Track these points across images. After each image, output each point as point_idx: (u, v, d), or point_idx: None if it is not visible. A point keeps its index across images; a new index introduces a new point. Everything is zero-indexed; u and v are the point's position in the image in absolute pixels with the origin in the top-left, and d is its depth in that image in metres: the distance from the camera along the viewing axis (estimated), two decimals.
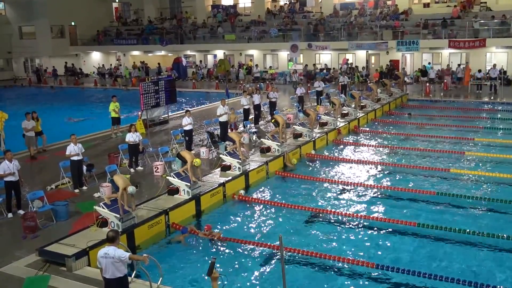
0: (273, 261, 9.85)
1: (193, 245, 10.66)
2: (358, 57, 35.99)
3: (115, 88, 37.36)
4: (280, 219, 11.96)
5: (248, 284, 9.07)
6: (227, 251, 10.33)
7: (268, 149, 16.20)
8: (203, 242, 10.72)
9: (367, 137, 20.05)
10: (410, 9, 36.35)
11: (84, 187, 13.76)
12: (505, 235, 10.32)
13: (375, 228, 11.28)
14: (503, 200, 12.34)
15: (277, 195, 13.60)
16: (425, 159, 16.62)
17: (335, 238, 10.96)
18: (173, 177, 12.50)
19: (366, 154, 17.39)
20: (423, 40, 31.81)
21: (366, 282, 9.09)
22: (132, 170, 15.32)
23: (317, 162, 16.72)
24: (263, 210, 12.56)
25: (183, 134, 17.50)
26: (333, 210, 12.30)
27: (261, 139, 17.32)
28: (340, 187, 14.09)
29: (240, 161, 14.28)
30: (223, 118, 18.23)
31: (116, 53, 45.89)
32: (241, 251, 10.31)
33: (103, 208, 10.50)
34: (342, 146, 18.63)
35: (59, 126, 22.80)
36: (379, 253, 10.18)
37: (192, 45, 41.22)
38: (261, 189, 14.16)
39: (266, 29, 38.79)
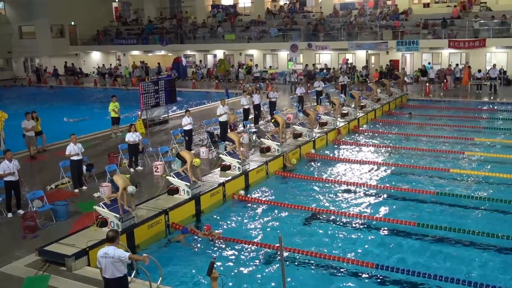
0: (273, 261, 9.85)
1: (193, 245, 10.66)
2: (358, 57, 35.99)
3: (114, 88, 37.37)
4: (280, 219, 11.95)
5: (247, 284, 9.06)
6: (226, 251, 10.33)
7: (268, 149, 16.20)
8: (202, 242, 10.72)
9: (367, 137, 20.05)
10: (410, 9, 36.36)
11: (84, 187, 13.76)
12: (505, 235, 10.32)
13: (375, 228, 11.29)
14: (504, 200, 12.33)
15: (277, 195, 13.60)
16: (425, 159, 16.62)
17: (334, 238, 10.95)
18: (173, 177, 12.50)
19: (366, 154, 17.39)
20: (423, 40, 31.82)
21: (366, 282, 9.08)
22: (132, 170, 15.32)
23: (317, 162, 16.72)
24: (262, 210, 12.56)
25: (182, 134, 17.50)
26: (333, 210, 12.31)
27: (261, 139, 17.32)
28: (340, 187, 14.09)
29: (239, 161, 14.28)
30: (223, 118, 18.23)
31: (116, 53, 45.89)
32: (240, 251, 10.30)
33: (103, 208, 10.50)
34: (342, 146, 18.63)
35: (58, 126, 22.81)
36: (379, 253, 10.18)
37: (192, 45, 41.21)
38: (260, 189, 14.15)
39: (266, 29, 38.79)
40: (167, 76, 28.68)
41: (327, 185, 14.29)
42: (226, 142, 16.04)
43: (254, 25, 40.15)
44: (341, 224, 11.64)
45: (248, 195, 13.47)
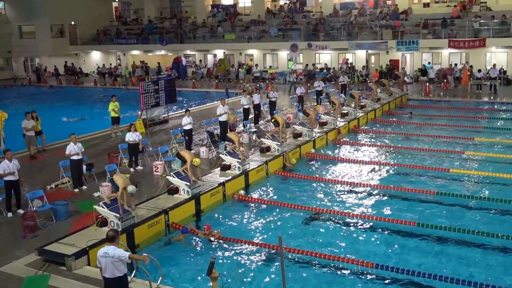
0: (273, 261, 9.85)
1: (192, 244, 10.66)
2: (358, 56, 35.99)
3: (114, 87, 37.37)
4: (280, 219, 11.95)
5: (247, 284, 9.06)
6: (226, 251, 10.33)
7: (268, 148, 16.20)
8: (202, 241, 10.72)
9: (367, 136, 20.05)
10: (410, 9, 36.37)
11: (84, 187, 13.76)
12: (504, 235, 10.32)
13: (375, 228, 11.28)
14: (504, 200, 12.33)
15: (277, 195, 13.60)
16: (425, 158, 16.62)
17: (334, 237, 10.95)
18: (173, 177, 12.50)
19: (365, 154, 17.39)
20: (423, 40, 31.81)
21: (366, 282, 9.08)
22: (131, 169, 15.32)
23: (317, 161, 16.72)
24: (262, 209, 12.55)
25: (182, 133, 17.51)
26: (333, 209, 12.30)
27: (261, 139, 17.32)
28: (340, 186, 14.09)
29: (239, 160, 14.28)
30: (223, 118, 18.24)
31: (116, 52, 45.89)
32: (240, 251, 10.30)
33: (102, 207, 10.50)
34: (342, 146, 18.63)
35: (58, 126, 22.82)
36: (379, 252, 10.18)
37: (192, 44, 41.21)
38: (260, 189, 14.16)
39: (266, 29, 38.79)
40: (167, 76, 28.70)
41: (327, 185, 14.29)
42: (226, 142, 16.05)
43: (254, 25, 40.15)
44: (341, 224, 11.63)
45: (248, 195, 13.47)
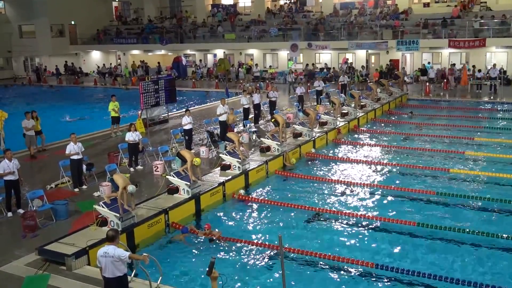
0: (273, 261, 9.85)
1: (192, 244, 10.65)
2: (358, 56, 35.98)
3: (114, 87, 37.37)
4: (280, 219, 11.95)
5: (247, 284, 9.06)
6: (226, 250, 10.33)
7: (268, 148, 16.20)
8: (202, 241, 10.72)
9: (367, 136, 20.05)
10: (410, 9, 36.36)
11: (84, 186, 13.77)
12: (504, 235, 10.32)
13: (375, 228, 11.28)
14: (504, 200, 12.33)
15: (277, 195, 13.60)
16: (425, 158, 16.61)
17: (334, 237, 10.95)
18: (173, 176, 12.50)
19: (365, 154, 17.38)
20: (423, 39, 31.80)
21: (366, 282, 9.08)
22: (131, 169, 15.33)
23: (317, 161, 16.72)
24: (262, 209, 12.55)
25: (182, 133, 17.51)
26: (333, 209, 12.30)
27: (261, 139, 17.32)
28: (340, 186, 14.08)
29: (239, 160, 14.28)
30: (223, 118, 18.25)
31: (116, 52, 45.89)
32: (240, 250, 10.30)
33: (102, 207, 10.50)
34: (342, 146, 18.63)
35: (58, 125, 22.82)
36: (379, 252, 10.18)
37: (192, 44, 41.20)
38: (261, 189, 14.15)
39: (266, 29, 38.78)
40: (167, 75, 28.68)
41: (327, 184, 14.29)
42: (226, 142, 16.05)
43: (254, 24, 40.14)
44: (341, 223, 11.63)
45: (248, 195, 13.47)
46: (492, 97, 27.14)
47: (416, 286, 8.87)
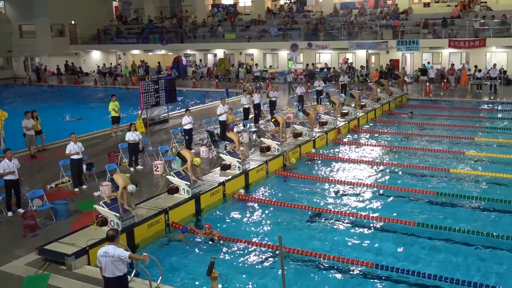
0: (273, 261, 9.85)
1: (192, 244, 10.65)
2: (358, 56, 35.98)
3: (114, 87, 37.38)
4: (280, 219, 11.95)
5: (247, 284, 9.06)
6: (226, 250, 10.33)
7: (268, 148, 16.20)
8: (202, 241, 10.72)
9: (367, 136, 20.05)
10: (410, 9, 36.36)
11: (84, 186, 13.77)
12: (504, 235, 10.32)
13: (375, 228, 11.28)
14: (504, 200, 12.33)
15: (277, 194, 13.61)
16: (425, 158, 16.61)
17: (334, 237, 10.96)
18: (173, 176, 12.50)
19: (366, 154, 17.38)
20: (423, 39, 31.80)
21: (366, 282, 9.08)
22: (132, 169, 15.33)
23: (317, 161, 16.72)
24: (263, 209, 12.55)
25: (183, 133, 17.51)
26: (333, 209, 12.30)
27: (261, 138, 17.32)
28: (340, 186, 14.08)
29: (239, 160, 14.28)
30: (223, 117, 18.24)
31: (116, 52, 45.88)
32: (240, 250, 10.30)
33: (103, 207, 10.50)
34: (342, 146, 18.63)
35: (58, 125, 22.81)
36: (379, 252, 10.18)
37: (192, 44, 41.20)
38: (261, 188, 14.16)
39: (266, 28, 38.78)
40: (167, 75, 28.69)
41: (327, 184, 14.29)
42: (226, 142, 16.05)
43: (254, 24, 40.14)
44: (341, 223, 11.63)
45: (248, 195, 13.47)
46: (492, 97, 27.13)
47: (416, 286, 8.87)
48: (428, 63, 33.17)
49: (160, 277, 8.39)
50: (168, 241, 10.90)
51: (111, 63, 45.36)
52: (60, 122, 24.29)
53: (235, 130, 19.06)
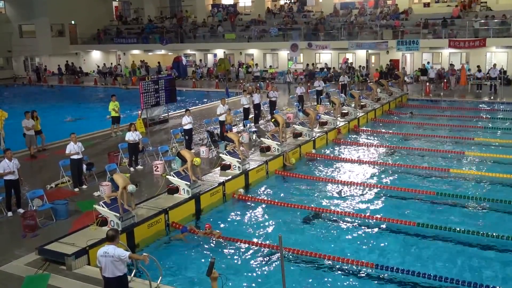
0: (273, 261, 9.85)
1: (192, 244, 10.65)
2: (358, 56, 35.98)
3: (114, 87, 37.37)
4: (280, 219, 11.95)
5: (247, 284, 9.06)
6: (226, 250, 10.33)
7: (268, 148, 16.20)
8: (202, 241, 10.72)
9: (367, 136, 20.05)
10: (410, 9, 36.35)
11: (84, 186, 13.77)
12: (504, 235, 10.32)
13: (375, 228, 11.28)
14: (504, 200, 12.33)
15: (277, 195, 13.60)
16: (425, 159, 16.61)
17: (334, 237, 10.96)
18: (173, 176, 12.50)
19: (365, 154, 17.38)
20: (423, 39, 31.80)
21: (366, 282, 9.08)
22: (132, 169, 15.33)
23: (317, 161, 16.72)
24: (263, 209, 12.55)
25: (183, 133, 17.51)
26: (333, 209, 12.31)
27: (261, 138, 17.32)
28: (340, 186, 14.08)
29: (239, 160, 14.28)
30: (223, 117, 18.24)
31: (116, 52, 45.88)
32: (240, 250, 10.30)
33: (102, 207, 10.50)
34: (342, 146, 18.63)
35: (58, 125, 22.81)
36: (379, 252, 10.18)
37: (192, 44, 41.20)
38: (261, 188, 14.15)
39: (266, 28, 38.78)
40: (167, 75, 28.68)
41: (327, 184, 14.29)
42: (226, 142, 16.05)
43: (254, 24, 40.14)
44: (341, 223, 11.64)
45: (248, 195, 13.47)
46: (492, 97, 27.13)
47: (415, 286, 8.87)
48: (428, 63, 33.16)
49: (160, 277, 8.39)
50: (168, 241, 10.90)
51: (111, 63, 45.36)
52: (60, 122, 24.29)
53: (235, 130, 19.05)
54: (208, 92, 33.97)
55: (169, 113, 23.57)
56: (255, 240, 10.71)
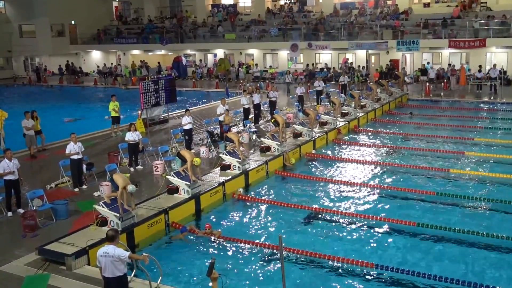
0: (273, 261, 9.85)
1: (192, 244, 10.65)
2: (358, 56, 35.97)
3: (115, 87, 37.37)
4: (280, 219, 11.95)
5: (247, 284, 9.06)
6: (226, 250, 10.33)
7: (268, 148, 16.20)
8: (203, 241, 10.72)
9: (367, 136, 20.05)
10: (410, 9, 36.35)
11: (84, 186, 13.77)
12: (504, 235, 10.32)
13: (375, 228, 11.28)
14: (503, 200, 12.33)
15: (277, 195, 13.60)
16: (425, 159, 16.61)
17: (334, 237, 10.96)
18: (173, 176, 12.50)
19: (366, 154, 17.38)
20: (423, 40, 31.79)
21: (366, 282, 9.08)
22: (132, 169, 15.33)
23: (317, 161, 16.72)
24: (262, 209, 12.55)
25: (182, 133, 17.51)
26: (333, 209, 12.30)
27: (261, 139, 17.32)
28: (340, 186, 14.08)
29: (239, 160, 14.28)
30: (223, 118, 18.24)
31: (116, 52, 45.88)
32: (240, 250, 10.30)
33: (102, 207, 10.50)
34: (342, 146, 18.63)
35: (58, 125, 22.81)
36: (379, 252, 10.18)
37: (192, 44, 41.20)
38: (260, 189, 14.15)
39: (266, 29, 38.78)
40: (167, 75, 28.68)
41: (327, 184, 14.29)
42: (226, 142, 16.05)
43: (254, 24, 40.14)
44: (341, 223, 11.63)
45: (248, 195, 13.48)
46: (492, 97, 27.14)
47: (415, 286, 8.87)
48: (428, 63, 33.16)
49: (160, 277, 8.39)
50: (168, 241, 10.90)
51: (111, 63, 45.36)
52: (60, 122, 24.29)
53: (234, 130, 19.05)
54: (208, 92, 33.97)
55: (169, 113, 23.57)
56: (255, 240, 10.69)
